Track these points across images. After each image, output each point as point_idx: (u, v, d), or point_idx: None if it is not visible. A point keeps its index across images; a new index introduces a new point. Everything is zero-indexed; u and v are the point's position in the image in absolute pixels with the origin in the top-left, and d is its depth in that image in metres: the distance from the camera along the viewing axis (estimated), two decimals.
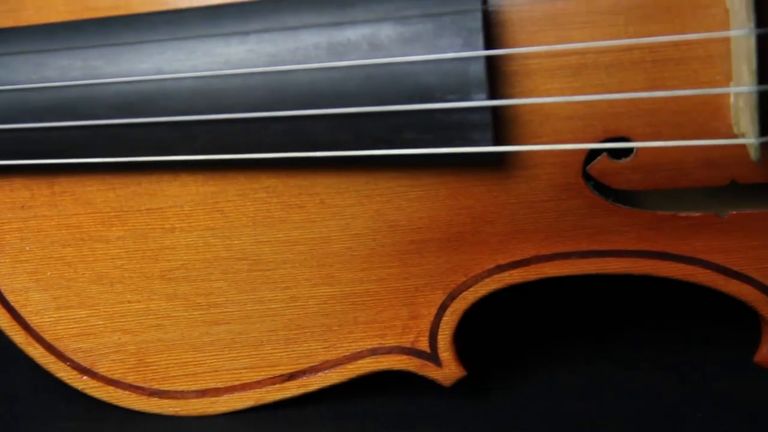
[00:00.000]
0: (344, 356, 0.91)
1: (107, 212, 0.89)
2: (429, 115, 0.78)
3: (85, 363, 0.94)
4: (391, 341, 0.90)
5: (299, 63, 0.80)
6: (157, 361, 0.93)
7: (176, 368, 0.93)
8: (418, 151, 0.79)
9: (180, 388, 0.94)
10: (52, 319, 0.93)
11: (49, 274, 0.91)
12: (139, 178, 0.87)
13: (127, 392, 0.95)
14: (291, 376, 0.92)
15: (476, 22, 0.78)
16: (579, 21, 0.81)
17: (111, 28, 0.83)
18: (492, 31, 0.81)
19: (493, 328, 1.05)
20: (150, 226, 0.89)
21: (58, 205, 0.89)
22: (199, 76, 0.81)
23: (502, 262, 0.87)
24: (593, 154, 0.83)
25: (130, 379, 0.94)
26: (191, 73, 0.81)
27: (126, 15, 0.84)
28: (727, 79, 0.80)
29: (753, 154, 0.77)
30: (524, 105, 0.82)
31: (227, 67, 0.81)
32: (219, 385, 0.94)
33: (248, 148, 0.82)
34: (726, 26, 0.79)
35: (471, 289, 0.87)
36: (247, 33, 0.81)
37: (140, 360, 0.93)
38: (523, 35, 0.81)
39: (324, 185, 0.86)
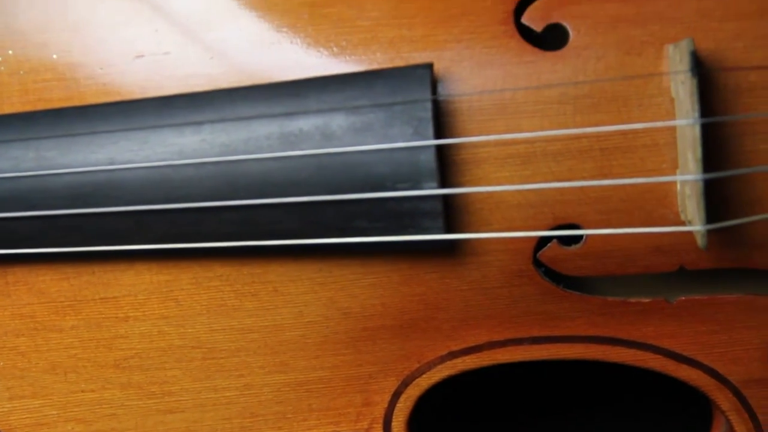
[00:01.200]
0: None
1: (61, 302, 0.89)
2: (381, 203, 0.79)
3: None
4: (345, 428, 0.90)
5: (252, 153, 0.80)
6: None
7: None
8: (370, 239, 0.80)
9: None
10: (5, 409, 0.92)
11: (2, 364, 0.91)
12: (92, 267, 0.87)
13: None
14: None
15: (426, 111, 0.78)
16: (528, 110, 0.82)
17: (64, 119, 0.84)
18: (442, 121, 0.82)
19: (448, 412, 1.05)
20: (104, 315, 0.89)
21: (12, 295, 0.89)
22: (152, 166, 0.81)
23: (454, 348, 0.87)
24: (544, 240, 0.84)
25: None
26: (144, 164, 0.81)
27: (79, 106, 0.85)
28: (673, 167, 0.81)
29: (700, 241, 0.78)
30: (475, 193, 0.82)
31: (180, 157, 0.81)
32: None
33: (202, 237, 0.82)
34: (672, 115, 0.81)
35: (424, 376, 0.87)
36: (200, 123, 0.81)
37: None
38: (473, 124, 0.82)
39: (277, 273, 0.86)
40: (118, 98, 0.85)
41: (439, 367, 0.87)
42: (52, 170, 0.82)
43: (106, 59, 0.85)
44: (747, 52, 0.82)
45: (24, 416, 0.92)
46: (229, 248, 0.82)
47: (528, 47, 0.82)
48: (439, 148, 0.80)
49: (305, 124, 0.80)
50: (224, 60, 0.84)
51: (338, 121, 0.79)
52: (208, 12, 0.84)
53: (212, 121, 0.81)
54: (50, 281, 0.88)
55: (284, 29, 0.84)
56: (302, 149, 0.80)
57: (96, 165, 0.82)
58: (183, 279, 0.87)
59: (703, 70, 0.80)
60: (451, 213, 0.82)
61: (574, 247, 0.83)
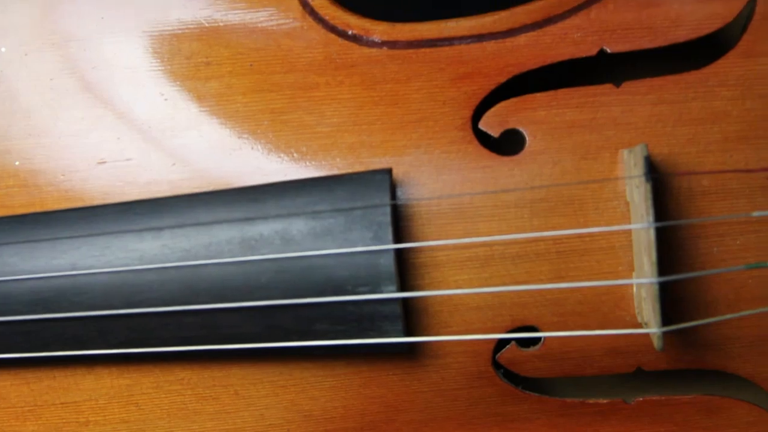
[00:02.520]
0: None
1: (21, 407, 0.89)
2: (341, 307, 0.80)
3: None
4: None
5: (213, 258, 0.81)
6: None
7: None
8: (330, 342, 0.81)
9: None
10: None
11: None
12: (53, 372, 0.87)
13: None
14: None
15: (385, 216, 0.79)
16: (485, 214, 0.83)
17: (26, 225, 0.84)
18: (401, 225, 0.83)
19: None
20: (64, 420, 0.89)
21: None
22: (113, 272, 0.82)
23: None
24: (502, 342, 0.84)
25: None
26: (106, 269, 0.82)
27: (41, 212, 0.85)
28: (629, 270, 0.82)
29: (656, 343, 0.79)
30: (434, 296, 0.83)
31: (141, 263, 0.82)
32: None
33: (163, 341, 0.83)
34: (627, 219, 0.82)
35: None
36: (161, 229, 0.82)
37: None
38: (432, 228, 0.83)
39: (238, 376, 0.86)
40: (80, 204, 0.85)
41: None
42: (13, 276, 0.83)
43: (68, 166, 0.86)
44: (700, 157, 0.83)
45: None
46: (190, 352, 0.82)
47: (485, 152, 0.84)
48: (399, 252, 0.81)
49: (265, 229, 0.80)
50: (186, 166, 0.85)
51: (298, 226, 0.80)
52: (171, 119, 0.85)
53: (173, 227, 0.81)
54: (10, 386, 0.88)
55: (245, 136, 0.85)
56: (263, 254, 0.80)
57: (58, 271, 0.82)
58: (144, 383, 0.87)
59: (657, 175, 0.82)
60: (411, 316, 0.83)
61: (532, 349, 0.84)
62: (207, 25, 0.86)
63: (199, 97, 0.85)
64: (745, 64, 0.84)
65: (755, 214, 0.83)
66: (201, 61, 0.86)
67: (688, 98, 0.84)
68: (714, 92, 0.84)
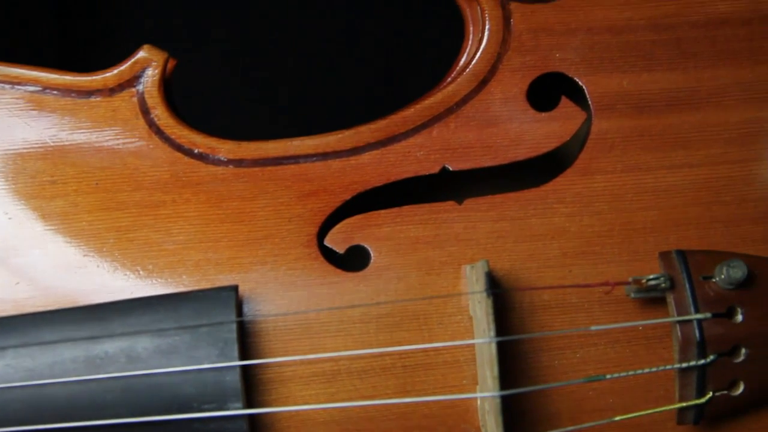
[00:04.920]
0: None
1: None
2: (187, 424, 0.80)
3: None
4: None
5: (57, 377, 0.80)
6: None
7: None
8: None
9: None
10: None
11: None
12: None
13: None
14: None
15: (231, 333, 0.80)
16: (332, 329, 0.84)
17: None
18: (247, 341, 0.84)
19: None
20: None
21: None
22: None
23: None
24: None
25: None
26: None
27: None
28: (474, 383, 0.84)
29: None
30: (281, 412, 0.84)
31: None
32: None
33: None
34: (471, 333, 0.84)
35: None
36: (4, 348, 0.81)
37: None
38: (278, 344, 0.84)
39: None
40: None
41: None
42: None
43: None
44: (540, 272, 0.86)
45: None
46: None
47: (331, 268, 0.85)
48: (245, 369, 0.81)
49: (111, 347, 0.81)
50: (30, 285, 0.85)
51: (144, 344, 0.81)
52: (15, 238, 0.85)
53: (16, 346, 0.81)
54: None
55: (91, 254, 0.85)
56: (108, 372, 0.80)
57: None
58: None
59: (498, 290, 0.84)
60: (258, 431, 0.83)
61: None
62: (52, 144, 0.86)
63: (44, 216, 0.86)
64: (582, 182, 0.86)
65: (593, 328, 0.85)
66: (46, 180, 0.86)
67: (528, 215, 0.86)
68: (553, 209, 0.86)
